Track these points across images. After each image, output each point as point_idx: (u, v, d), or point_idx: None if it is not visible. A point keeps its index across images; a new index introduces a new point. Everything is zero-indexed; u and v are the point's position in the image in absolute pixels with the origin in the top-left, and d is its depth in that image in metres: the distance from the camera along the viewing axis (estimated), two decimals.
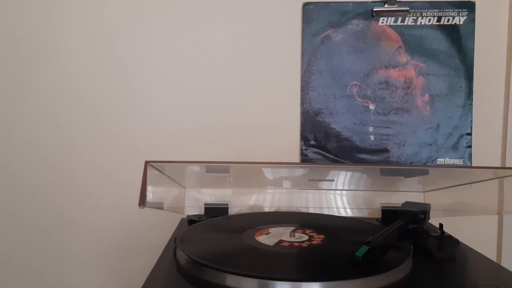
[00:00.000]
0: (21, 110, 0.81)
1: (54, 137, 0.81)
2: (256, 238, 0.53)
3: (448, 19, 0.78)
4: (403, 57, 0.78)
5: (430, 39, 0.78)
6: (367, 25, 0.78)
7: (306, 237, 0.53)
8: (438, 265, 0.48)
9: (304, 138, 0.80)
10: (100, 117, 0.81)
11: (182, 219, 0.70)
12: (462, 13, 0.77)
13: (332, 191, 0.74)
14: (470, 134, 0.78)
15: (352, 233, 0.57)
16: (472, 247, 0.56)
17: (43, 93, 0.80)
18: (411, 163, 0.79)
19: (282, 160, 0.79)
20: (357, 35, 0.79)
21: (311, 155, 0.79)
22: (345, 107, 0.79)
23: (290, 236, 0.53)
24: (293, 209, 0.75)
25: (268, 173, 0.68)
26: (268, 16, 0.80)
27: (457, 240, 0.56)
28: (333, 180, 0.70)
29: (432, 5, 0.78)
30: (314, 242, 0.51)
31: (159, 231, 0.80)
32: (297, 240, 0.52)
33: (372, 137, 0.79)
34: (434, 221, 0.64)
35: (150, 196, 0.47)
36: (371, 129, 0.79)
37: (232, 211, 0.70)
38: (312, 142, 0.79)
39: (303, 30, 0.79)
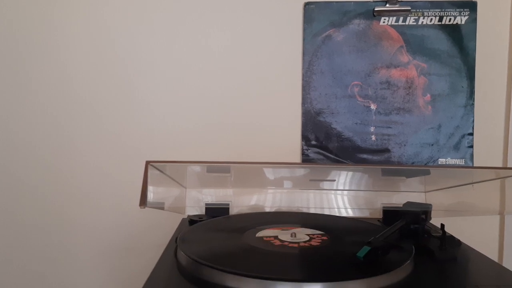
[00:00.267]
0: (21, 110, 0.80)
1: (54, 137, 0.81)
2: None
3: (450, 19, 0.77)
4: (405, 57, 0.78)
5: (431, 39, 0.78)
6: (369, 25, 0.78)
7: (307, 238, 0.53)
8: (440, 265, 0.48)
9: (305, 138, 0.80)
10: (100, 117, 0.81)
11: (183, 219, 0.70)
12: (463, 13, 0.77)
13: (333, 191, 0.74)
14: (471, 134, 0.78)
15: (353, 233, 0.57)
16: (473, 247, 0.56)
17: (43, 93, 0.80)
18: (413, 163, 0.78)
19: (283, 160, 0.79)
20: (358, 35, 0.78)
21: (312, 155, 0.79)
22: (346, 107, 0.79)
23: (291, 236, 0.53)
24: (294, 209, 0.75)
25: (269, 173, 0.67)
26: (269, 16, 0.80)
27: (459, 240, 0.55)
28: (334, 180, 0.70)
29: (433, 5, 0.77)
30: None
31: (159, 231, 0.80)
32: (298, 241, 0.52)
33: (373, 137, 0.79)
34: (435, 221, 0.64)
35: (151, 196, 0.46)
36: (372, 129, 0.79)
37: (233, 211, 0.70)
38: (313, 142, 0.79)
39: (304, 30, 0.79)
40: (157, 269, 0.46)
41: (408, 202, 0.65)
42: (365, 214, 0.74)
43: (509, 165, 0.80)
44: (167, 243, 0.55)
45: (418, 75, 0.78)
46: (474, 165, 0.78)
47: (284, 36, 0.80)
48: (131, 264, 0.82)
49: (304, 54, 0.79)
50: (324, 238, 0.53)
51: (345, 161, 0.79)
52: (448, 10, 0.77)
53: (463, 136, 0.78)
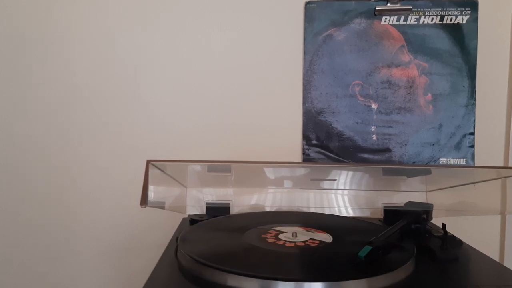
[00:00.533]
0: (21, 109, 0.80)
1: (54, 137, 0.81)
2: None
3: (451, 18, 0.77)
4: (406, 56, 0.78)
5: (432, 38, 0.78)
6: (370, 24, 0.78)
7: (307, 237, 0.53)
8: (441, 265, 0.48)
9: (306, 137, 0.79)
10: (100, 117, 0.81)
11: (184, 219, 0.70)
12: (465, 12, 0.77)
13: (334, 191, 0.74)
14: (473, 133, 0.78)
15: (354, 233, 0.57)
16: (475, 247, 0.55)
17: (44, 93, 0.80)
18: (414, 162, 0.78)
19: (284, 159, 0.79)
20: (359, 34, 0.78)
21: (313, 154, 0.79)
22: (347, 106, 0.79)
23: (292, 236, 0.53)
24: (294, 209, 0.75)
25: (270, 172, 0.67)
26: (270, 15, 0.80)
27: (460, 240, 0.55)
28: (335, 180, 0.70)
29: (435, 4, 0.77)
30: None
31: (159, 231, 0.80)
32: (298, 240, 0.52)
33: (374, 137, 0.79)
34: (436, 221, 0.64)
35: (151, 196, 0.46)
36: (373, 128, 0.79)
37: (234, 210, 0.70)
38: (314, 142, 0.79)
39: (305, 29, 0.79)
40: (158, 268, 0.46)
41: (409, 201, 0.65)
42: (366, 213, 0.74)
43: (510, 165, 0.79)
44: (167, 243, 0.55)
45: (419, 75, 0.78)
46: (475, 165, 0.78)
47: (285, 36, 0.80)
48: (131, 264, 0.82)
49: (305, 53, 0.79)
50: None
51: (346, 160, 0.79)
52: (450, 9, 0.77)
53: (464, 136, 0.78)
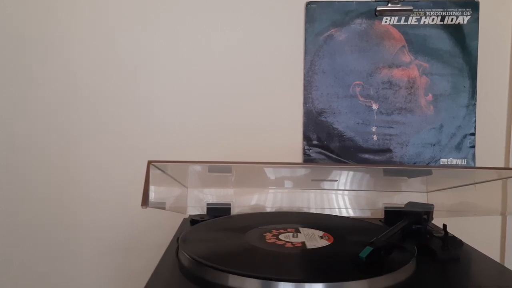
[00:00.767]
0: (21, 109, 0.80)
1: (55, 137, 0.81)
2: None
3: (452, 19, 0.77)
4: (407, 57, 0.78)
5: (433, 39, 0.77)
6: (370, 25, 0.78)
7: (308, 238, 0.53)
8: (442, 265, 0.48)
9: (306, 138, 0.79)
10: (101, 117, 0.81)
11: (184, 219, 0.69)
12: (466, 13, 0.77)
13: (334, 191, 0.74)
14: (473, 134, 0.78)
15: (355, 233, 0.57)
16: (475, 248, 0.55)
17: (45, 93, 0.80)
18: (414, 163, 0.78)
19: (285, 159, 0.79)
20: (360, 34, 0.78)
21: (313, 155, 0.79)
22: (348, 106, 0.79)
23: (293, 236, 0.53)
24: (295, 209, 0.75)
25: (270, 173, 0.67)
26: (271, 15, 0.80)
27: (461, 240, 0.55)
28: (336, 180, 0.70)
29: (435, 5, 0.77)
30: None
31: (160, 231, 0.80)
32: (299, 241, 0.51)
33: (375, 137, 0.79)
34: (437, 221, 0.64)
35: (152, 196, 0.46)
36: (374, 129, 0.79)
37: (234, 211, 0.70)
38: (315, 142, 0.79)
39: (306, 29, 0.79)
40: (159, 269, 0.46)
41: (410, 202, 0.65)
42: (366, 214, 0.74)
43: (511, 166, 0.79)
44: (167, 243, 0.55)
45: (420, 75, 0.78)
46: (476, 166, 0.78)
47: (285, 36, 0.80)
48: (131, 264, 0.82)
49: (305, 53, 0.79)
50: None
51: (346, 161, 0.79)
52: (450, 9, 0.77)
53: (465, 136, 0.78)
